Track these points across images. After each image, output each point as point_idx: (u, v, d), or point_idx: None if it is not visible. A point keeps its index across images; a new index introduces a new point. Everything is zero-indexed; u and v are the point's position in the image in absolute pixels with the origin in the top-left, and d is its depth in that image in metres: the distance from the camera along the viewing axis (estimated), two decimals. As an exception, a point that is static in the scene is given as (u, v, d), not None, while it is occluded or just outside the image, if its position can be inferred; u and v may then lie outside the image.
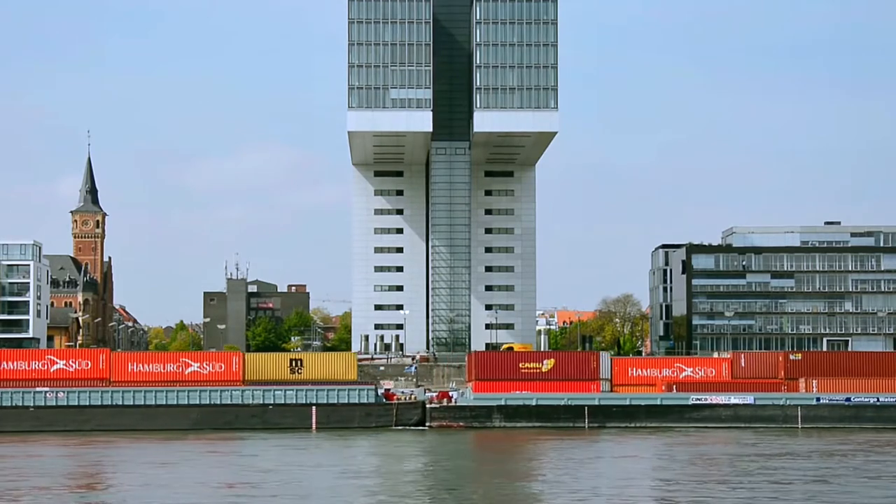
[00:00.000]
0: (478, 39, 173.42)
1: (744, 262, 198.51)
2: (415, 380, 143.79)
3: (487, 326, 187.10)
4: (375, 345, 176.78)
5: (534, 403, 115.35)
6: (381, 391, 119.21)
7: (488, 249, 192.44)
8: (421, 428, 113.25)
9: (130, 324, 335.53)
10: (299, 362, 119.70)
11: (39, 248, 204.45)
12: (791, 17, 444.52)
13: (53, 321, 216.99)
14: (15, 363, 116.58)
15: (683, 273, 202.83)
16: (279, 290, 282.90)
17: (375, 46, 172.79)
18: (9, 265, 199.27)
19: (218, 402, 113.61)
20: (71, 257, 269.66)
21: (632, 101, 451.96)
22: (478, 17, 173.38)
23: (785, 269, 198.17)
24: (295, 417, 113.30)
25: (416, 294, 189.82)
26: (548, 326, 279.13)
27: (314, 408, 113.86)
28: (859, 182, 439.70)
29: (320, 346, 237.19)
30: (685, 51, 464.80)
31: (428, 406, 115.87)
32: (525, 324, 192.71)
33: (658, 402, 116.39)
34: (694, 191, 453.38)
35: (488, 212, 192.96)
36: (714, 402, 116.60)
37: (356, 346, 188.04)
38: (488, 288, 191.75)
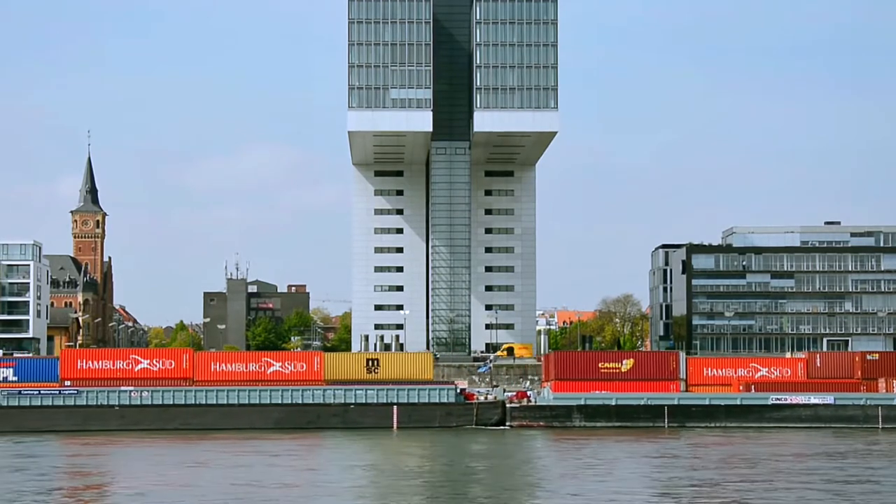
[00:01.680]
0: (478, 39, 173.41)
1: (744, 262, 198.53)
2: (488, 379, 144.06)
3: (487, 326, 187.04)
4: (375, 345, 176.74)
5: (613, 403, 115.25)
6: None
7: (488, 249, 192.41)
8: (501, 428, 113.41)
9: (130, 324, 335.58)
10: (376, 362, 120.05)
11: (39, 248, 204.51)
12: (791, 17, 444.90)
13: (53, 321, 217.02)
14: (100, 362, 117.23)
15: (683, 273, 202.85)
16: (279, 290, 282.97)
17: (375, 46, 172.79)
18: (9, 265, 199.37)
19: (300, 401, 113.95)
20: (71, 257, 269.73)
21: (632, 101, 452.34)
22: (478, 17, 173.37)
23: (785, 269, 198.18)
24: (376, 417, 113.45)
25: (416, 294, 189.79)
26: (548, 326, 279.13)
27: (395, 407, 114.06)
28: (859, 182, 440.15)
29: (320, 346, 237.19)
30: (685, 51, 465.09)
31: (508, 406, 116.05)
32: (525, 324, 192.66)
33: (738, 402, 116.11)
34: (694, 191, 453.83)
35: (488, 212, 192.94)
36: (794, 402, 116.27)
37: (356, 346, 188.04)
38: (488, 288, 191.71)
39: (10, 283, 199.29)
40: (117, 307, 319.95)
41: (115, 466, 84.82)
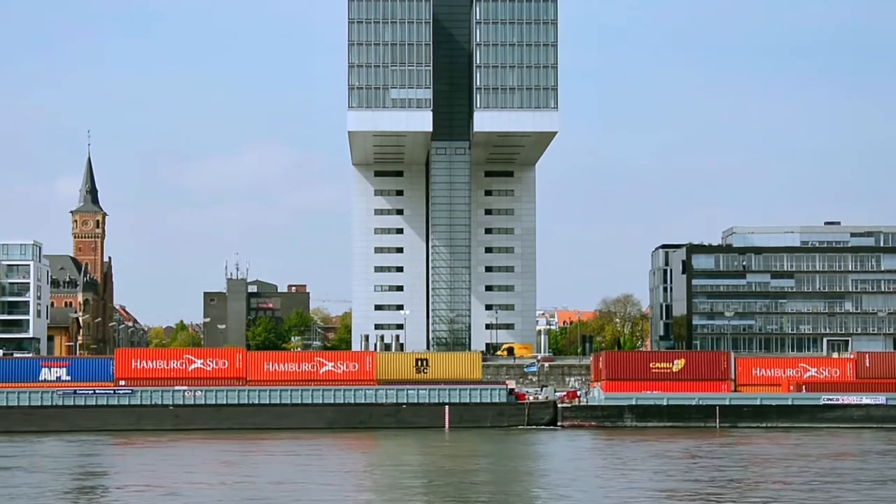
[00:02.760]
0: (478, 39, 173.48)
1: (744, 262, 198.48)
2: (537, 379, 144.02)
3: (487, 326, 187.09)
4: (375, 345, 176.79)
5: (665, 403, 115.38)
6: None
7: (488, 249, 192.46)
8: (553, 427, 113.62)
9: (130, 324, 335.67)
10: (425, 362, 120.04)
11: (39, 248, 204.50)
12: (791, 17, 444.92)
13: (53, 321, 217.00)
14: (154, 362, 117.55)
15: (683, 273, 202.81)
16: (279, 290, 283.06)
17: (375, 46, 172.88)
18: (9, 265, 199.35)
19: (352, 401, 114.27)
20: (71, 257, 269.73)
21: (632, 100, 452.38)
22: (478, 17, 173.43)
23: (785, 269, 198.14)
24: (428, 417, 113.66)
25: (416, 294, 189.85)
26: (548, 326, 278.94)
27: (447, 407, 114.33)
28: (859, 182, 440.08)
29: (320, 346, 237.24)
30: (685, 51, 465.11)
31: (559, 406, 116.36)
32: (525, 324, 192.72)
33: (789, 403, 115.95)
34: (694, 191, 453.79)
35: (488, 212, 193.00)
36: (845, 402, 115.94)
37: (356, 346, 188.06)
38: (488, 288, 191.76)
39: (10, 283, 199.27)
40: (117, 307, 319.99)
41: (164, 465, 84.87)
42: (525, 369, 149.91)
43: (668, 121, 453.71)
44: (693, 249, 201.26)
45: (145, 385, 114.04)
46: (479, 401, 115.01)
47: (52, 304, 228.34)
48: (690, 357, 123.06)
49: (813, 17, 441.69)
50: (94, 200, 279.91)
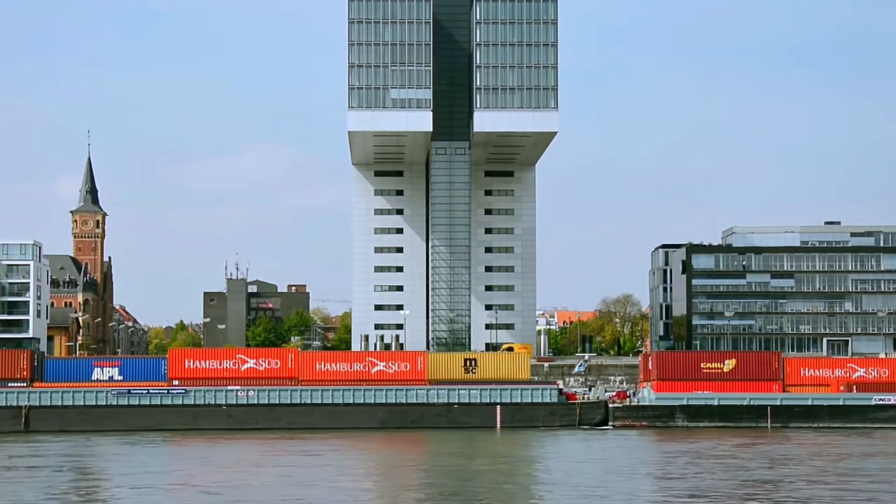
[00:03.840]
0: (478, 39, 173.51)
1: (744, 262, 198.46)
2: (583, 379, 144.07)
3: (487, 326, 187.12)
4: (375, 345, 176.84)
5: (716, 403, 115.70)
6: None
7: (488, 249, 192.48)
8: (604, 428, 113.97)
9: (130, 324, 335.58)
10: (473, 362, 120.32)
11: (39, 248, 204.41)
12: (791, 18, 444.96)
13: (53, 321, 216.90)
14: (207, 362, 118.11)
15: (683, 273, 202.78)
16: (279, 290, 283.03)
17: (375, 46, 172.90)
18: (9, 265, 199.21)
19: (404, 401, 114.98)
20: (71, 257, 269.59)
21: (632, 100, 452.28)
22: (478, 17, 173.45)
23: (785, 269, 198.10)
24: (480, 416, 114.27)
25: (416, 294, 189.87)
26: (548, 326, 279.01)
27: (499, 407, 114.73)
28: (859, 182, 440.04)
29: (320, 346, 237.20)
30: (685, 51, 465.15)
31: (611, 406, 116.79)
32: (525, 324, 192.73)
33: (841, 403, 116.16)
34: (694, 191, 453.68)
35: (488, 212, 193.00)
36: None
37: (356, 346, 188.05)
38: (488, 288, 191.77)
39: (10, 283, 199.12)
40: (117, 307, 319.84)
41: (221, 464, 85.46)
42: (574, 370, 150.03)
43: (668, 121, 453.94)
44: (693, 249, 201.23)
45: (198, 385, 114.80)
46: (530, 401, 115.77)
47: (52, 304, 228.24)
48: (741, 357, 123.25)
49: (813, 18, 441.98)
50: (94, 200, 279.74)
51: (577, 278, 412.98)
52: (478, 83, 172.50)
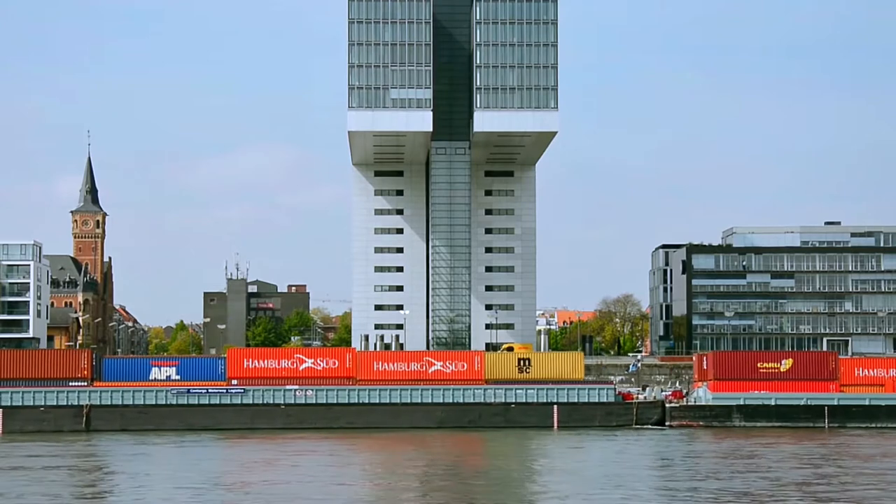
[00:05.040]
0: (478, 39, 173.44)
1: (744, 262, 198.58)
2: (635, 378, 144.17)
3: (487, 326, 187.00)
4: (375, 345, 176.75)
5: (773, 403, 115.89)
6: None
7: (488, 249, 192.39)
8: (661, 427, 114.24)
9: (130, 324, 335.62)
10: (527, 361, 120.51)
11: (39, 248, 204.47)
12: (791, 18, 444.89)
13: (53, 321, 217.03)
14: (265, 362, 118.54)
15: (683, 273, 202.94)
16: (279, 290, 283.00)
17: (375, 46, 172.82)
18: (9, 265, 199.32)
19: (461, 400, 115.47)
20: (71, 257, 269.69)
21: (632, 100, 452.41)
22: (478, 17, 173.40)
23: (785, 269, 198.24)
24: (537, 416, 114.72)
25: (416, 294, 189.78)
26: (548, 326, 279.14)
27: (556, 406, 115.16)
28: (859, 182, 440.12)
29: (320, 346, 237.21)
30: (685, 51, 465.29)
31: (668, 406, 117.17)
32: (525, 324, 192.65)
33: None
34: (694, 191, 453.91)
35: (488, 212, 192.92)
36: None
37: (356, 346, 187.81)
38: (488, 288, 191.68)
39: (10, 283, 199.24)
40: (117, 307, 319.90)
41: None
42: (628, 369, 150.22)
43: (668, 120, 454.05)
44: (693, 249, 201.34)
45: (256, 384, 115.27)
46: (586, 400, 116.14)
47: (52, 304, 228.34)
48: (798, 357, 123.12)
49: (812, 18, 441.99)
50: (94, 200, 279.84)
51: (577, 278, 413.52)
52: (478, 83, 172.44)
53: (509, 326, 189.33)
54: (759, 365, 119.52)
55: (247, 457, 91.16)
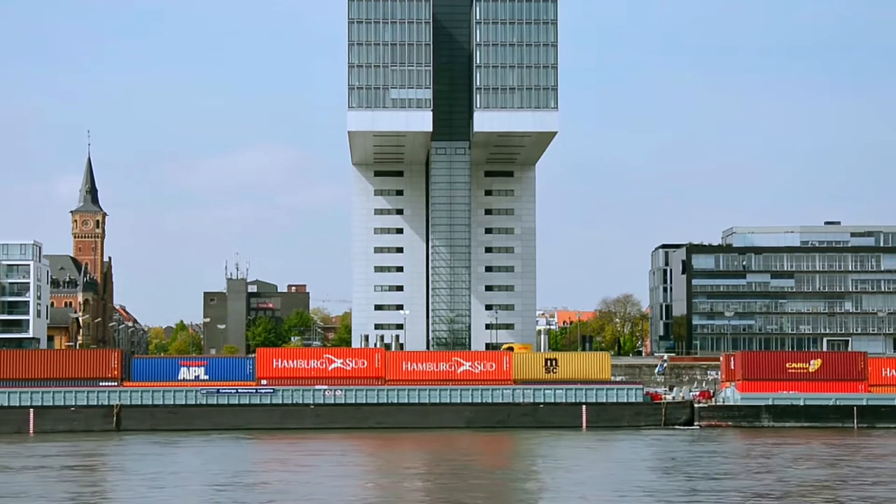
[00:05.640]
0: (478, 39, 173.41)
1: (744, 262, 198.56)
2: (663, 378, 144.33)
3: (487, 326, 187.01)
4: (375, 345, 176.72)
5: (801, 403, 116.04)
6: None
7: (488, 249, 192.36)
8: (690, 427, 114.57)
9: (130, 324, 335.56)
10: (554, 361, 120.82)
11: (39, 248, 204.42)
12: (791, 18, 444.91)
13: (53, 321, 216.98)
14: (294, 362, 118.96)
15: (683, 273, 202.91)
16: (279, 290, 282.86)
17: (375, 46, 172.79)
18: (9, 265, 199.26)
19: (490, 400, 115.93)
20: (71, 257, 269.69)
21: (631, 100, 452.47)
22: (478, 17, 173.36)
23: (785, 269, 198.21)
24: (566, 416, 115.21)
25: (417, 294, 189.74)
26: (548, 326, 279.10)
27: (584, 406, 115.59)
28: (859, 182, 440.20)
29: (320, 346, 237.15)
30: (685, 51, 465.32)
31: (696, 406, 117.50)
32: (525, 324, 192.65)
33: None
34: (694, 191, 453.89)
35: (488, 212, 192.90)
36: None
37: (357, 346, 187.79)
38: (488, 288, 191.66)
39: (10, 283, 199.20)
40: (117, 307, 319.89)
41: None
42: (656, 370, 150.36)
43: (667, 120, 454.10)
44: (693, 249, 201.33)
45: (286, 384, 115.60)
46: (615, 400, 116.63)
47: (52, 304, 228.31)
48: (827, 357, 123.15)
49: (812, 18, 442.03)
50: (94, 200, 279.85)
51: (577, 278, 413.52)
52: (478, 83, 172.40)
53: (509, 326, 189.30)
54: (787, 365, 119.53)
55: (260, 456, 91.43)
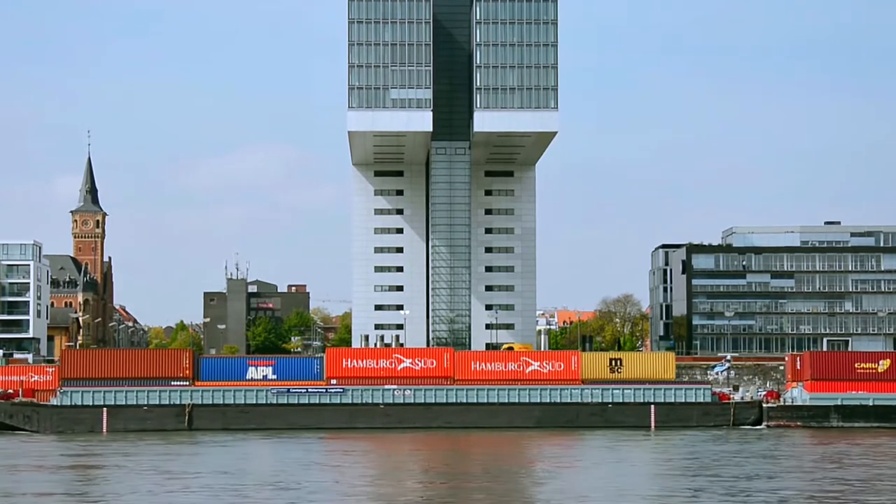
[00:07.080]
0: (478, 39, 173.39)
1: (744, 262, 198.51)
2: (721, 380, 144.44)
3: (487, 326, 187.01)
4: (375, 345, 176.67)
5: (870, 403, 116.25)
6: None
7: (488, 249, 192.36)
8: (758, 427, 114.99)
9: (130, 324, 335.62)
10: (619, 361, 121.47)
11: (39, 248, 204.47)
12: (791, 18, 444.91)
13: (53, 321, 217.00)
14: (364, 361, 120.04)
15: (683, 273, 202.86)
16: (279, 290, 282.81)
17: (375, 46, 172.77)
18: (9, 265, 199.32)
19: (558, 400, 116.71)
20: (71, 257, 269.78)
21: (632, 100, 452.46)
22: (478, 17, 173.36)
23: (785, 269, 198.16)
24: (634, 416, 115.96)
25: (417, 294, 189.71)
26: (548, 326, 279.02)
27: (653, 406, 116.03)
28: (859, 182, 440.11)
29: (320, 346, 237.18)
30: (685, 51, 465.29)
31: (765, 406, 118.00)
32: (525, 324, 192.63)
33: None
34: (694, 191, 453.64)
35: (488, 212, 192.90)
36: None
37: (357, 346, 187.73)
38: (488, 288, 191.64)
39: (10, 283, 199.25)
40: (117, 307, 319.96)
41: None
42: (714, 370, 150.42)
43: (668, 120, 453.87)
44: (693, 249, 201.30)
45: (355, 384, 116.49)
46: (683, 400, 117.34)
47: (52, 304, 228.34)
48: None
49: (812, 18, 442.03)
50: (94, 200, 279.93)
51: (577, 278, 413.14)
52: (478, 83, 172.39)
53: (509, 326, 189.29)
54: (856, 365, 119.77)
55: (303, 456, 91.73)
